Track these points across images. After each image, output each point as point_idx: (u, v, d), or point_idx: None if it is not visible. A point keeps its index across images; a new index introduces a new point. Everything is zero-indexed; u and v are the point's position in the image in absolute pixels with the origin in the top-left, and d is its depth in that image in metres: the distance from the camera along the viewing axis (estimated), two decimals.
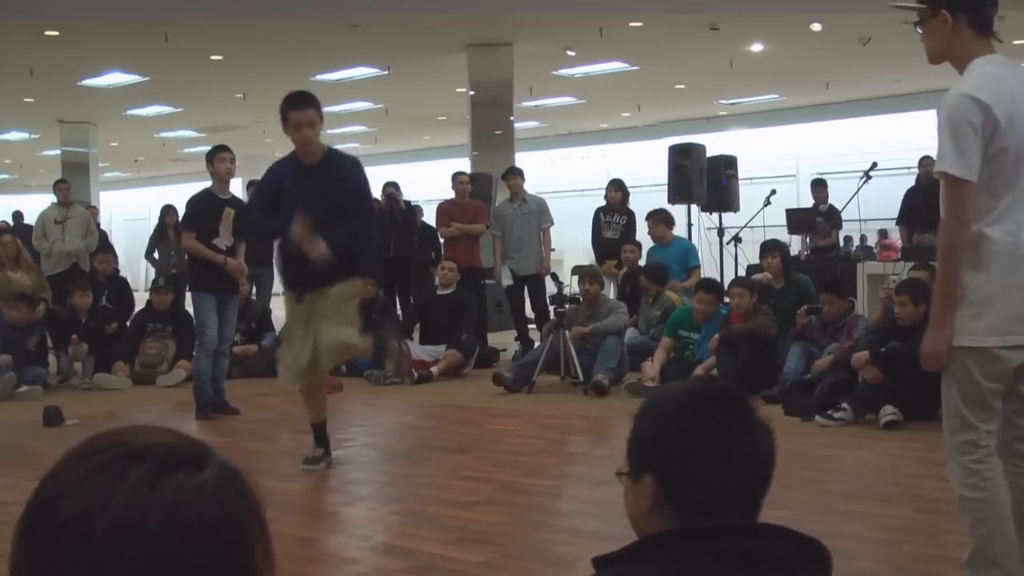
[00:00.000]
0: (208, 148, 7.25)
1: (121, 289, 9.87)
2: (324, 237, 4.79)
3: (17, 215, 16.47)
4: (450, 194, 10.32)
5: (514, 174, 10.25)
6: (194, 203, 7.03)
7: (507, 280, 10.07)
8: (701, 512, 1.33)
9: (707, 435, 1.37)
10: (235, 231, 6.94)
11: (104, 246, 10.57)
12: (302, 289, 5.05)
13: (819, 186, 11.92)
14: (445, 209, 10.16)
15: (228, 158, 6.95)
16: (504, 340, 10.40)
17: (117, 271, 10.19)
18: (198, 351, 7.00)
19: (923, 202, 9.23)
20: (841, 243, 12.58)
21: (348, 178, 5.03)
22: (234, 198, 7.14)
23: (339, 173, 5.01)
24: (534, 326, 10.30)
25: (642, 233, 10.57)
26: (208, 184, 7.08)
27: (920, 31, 2.80)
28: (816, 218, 11.30)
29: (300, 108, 4.89)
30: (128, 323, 9.31)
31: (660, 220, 9.88)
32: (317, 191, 4.92)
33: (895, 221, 11.38)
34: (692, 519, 1.34)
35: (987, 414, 2.73)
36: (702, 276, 9.16)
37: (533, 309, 10.21)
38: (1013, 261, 2.68)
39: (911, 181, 11.33)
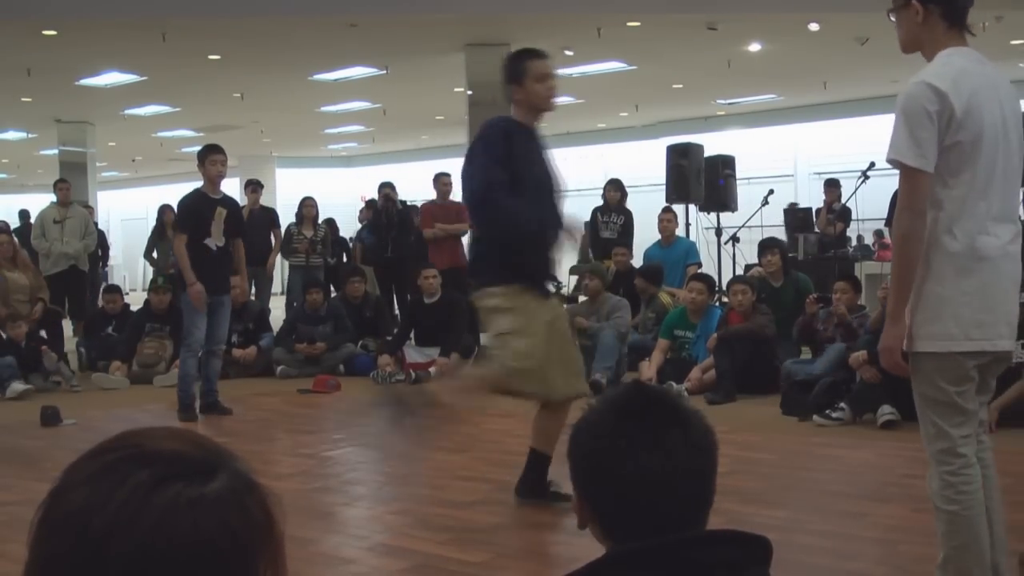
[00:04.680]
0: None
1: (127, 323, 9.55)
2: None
3: (24, 214, 16.48)
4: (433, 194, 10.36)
5: None
6: (186, 204, 6.96)
7: None
8: (628, 532, 1.29)
9: (626, 455, 1.31)
10: (226, 230, 6.87)
11: (111, 285, 10.33)
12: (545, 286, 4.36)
13: (831, 187, 12.01)
14: (428, 210, 10.17)
15: (220, 160, 6.87)
16: None
17: (127, 306, 9.93)
18: (184, 352, 6.95)
19: None
20: (854, 241, 12.64)
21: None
22: (226, 197, 7.04)
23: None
24: None
25: (644, 231, 10.59)
26: (200, 184, 7.00)
27: (893, 19, 2.76)
28: (827, 215, 11.40)
29: (543, 57, 4.29)
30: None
31: (675, 216, 9.99)
32: (545, 162, 4.34)
33: (884, 222, 11.42)
34: (620, 539, 1.30)
35: (961, 417, 2.66)
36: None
37: None
38: (968, 263, 2.60)
39: None
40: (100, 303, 10.22)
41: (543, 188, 4.29)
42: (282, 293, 12.39)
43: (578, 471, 1.38)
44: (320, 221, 11.51)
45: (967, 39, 2.71)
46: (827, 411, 6.12)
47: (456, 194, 10.33)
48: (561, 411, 4.26)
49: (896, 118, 2.59)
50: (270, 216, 11.40)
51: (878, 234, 14.84)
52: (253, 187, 11.24)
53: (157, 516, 0.79)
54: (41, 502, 0.84)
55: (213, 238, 6.82)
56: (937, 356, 2.63)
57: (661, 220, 9.92)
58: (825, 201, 12.14)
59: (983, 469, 2.74)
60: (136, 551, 0.78)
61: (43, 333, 8.88)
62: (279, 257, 11.35)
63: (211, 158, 6.86)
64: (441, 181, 10.25)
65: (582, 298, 8.41)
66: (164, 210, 12.44)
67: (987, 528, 2.67)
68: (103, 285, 11.40)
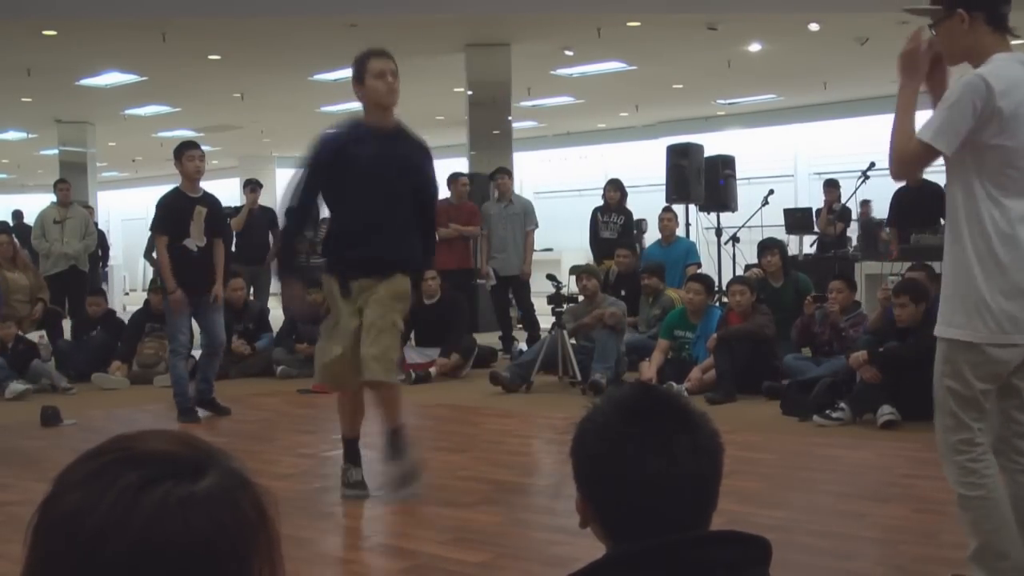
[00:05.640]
0: (206, 148, 7.09)
1: (113, 327, 9.39)
2: (402, 220, 4.56)
3: (17, 214, 16.49)
4: (447, 194, 10.34)
5: (503, 174, 10.29)
6: (164, 204, 6.80)
7: (492, 280, 10.08)
8: (631, 534, 1.29)
9: (633, 459, 1.30)
10: (206, 230, 6.76)
11: (94, 288, 10.09)
12: (353, 274, 4.55)
13: (831, 187, 12.02)
14: (442, 210, 10.16)
15: (197, 156, 6.73)
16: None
17: (110, 311, 9.80)
18: (172, 356, 6.90)
19: (912, 203, 9.27)
20: (854, 241, 12.64)
21: (426, 158, 4.72)
22: (206, 195, 6.87)
23: (416, 151, 4.67)
24: (520, 326, 10.33)
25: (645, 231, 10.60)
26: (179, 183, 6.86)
27: (935, 33, 2.80)
28: (827, 215, 11.40)
29: (383, 56, 4.52)
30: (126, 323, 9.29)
31: (675, 216, 9.99)
32: (392, 162, 4.52)
33: (885, 222, 11.42)
34: (622, 539, 1.31)
35: (979, 413, 2.74)
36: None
37: (519, 309, 10.24)
38: (1005, 259, 2.66)
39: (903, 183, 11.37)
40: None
41: (374, 194, 4.51)
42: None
43: (582, 471, 1.37)
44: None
45: (1010, 42, 2.75)
46: (827, 411, 6.12)
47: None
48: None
49: (945, 100, 2.66)
50: (269, 216, 11.40)
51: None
52: (252, 187, 11.22)
53: (147, 516, 0.80)
54: (36, 507, 0.84)
55: (193, 238, 6.68)
56: (971, 349, 2.69)
57: (661, 220, 9.94)
58: (825, 201, 12.15)
59: (1018, 488, 2.79)
60: (129, 552, 0.79)
61: (41, 334, 8.87)
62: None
63: (188, 154, 6.72)
64: (459, 182, 10.24)
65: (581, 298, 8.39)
66: None
67: (1012, 513, 2.73)
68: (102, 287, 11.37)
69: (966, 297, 2.69)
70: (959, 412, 2.73)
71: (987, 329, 2.67)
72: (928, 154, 2.67)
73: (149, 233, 12.46)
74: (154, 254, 11.91)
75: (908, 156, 2.70)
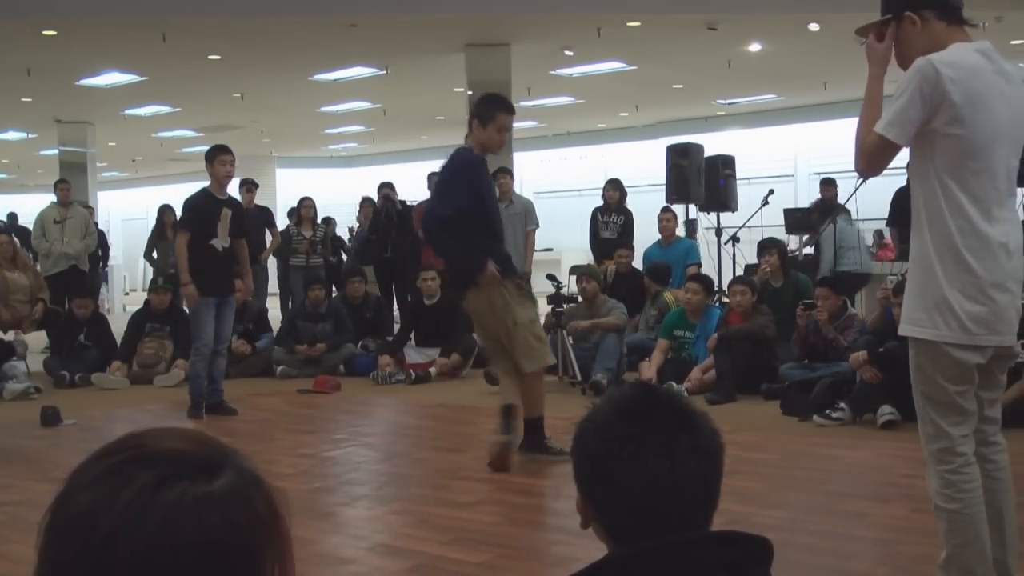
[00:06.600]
0: (206, 147, 7.21)
1: (100, 327, 9.36)
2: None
3: (12, 216, 16.50)
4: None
5: (503, 174, 10.28)
6: (192, 204, 6.99)
7: None
8: (631, 534, 1.29)
9: (634, 460, 1.30)
10: (232, 231, 6.94)
11: (84, 290, 9.96)
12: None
13: (828, 185, 11.98)
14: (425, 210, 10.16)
15: (228, 160, 6.90)
16: None
17: (96, 309, 9.70)
18: (194, 355, 6.99)
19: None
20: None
21: None
22: (231, 199, 7.15)
23: None
24: None
25: (644, 231, 10.59)
26: (206, 184, 7.05)
27: (890, 38, 2.74)
28: (820, 215, 11.34)
29: (512, 113, 5.23)
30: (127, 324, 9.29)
31: (674, 216, 9.98)
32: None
33: (886, 222, 11.40)
34: (623, 540, 1.31)
35: (960, 417, 2.65)
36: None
37: None
38: (969, 257, 2.58)
39: (904, 182, 11.34)
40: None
41: (495, 218, 5.27)
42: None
43: (583, 471, 1.37)
44: (319, 220, 11.53)
45: (970, 33, 2.69)
46: (827, 411, 6.12)
47: None
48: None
49: (898, 90, 2.60)
50: (266, 216, 11.42)
51: (878, 234, 14.85)
52: (248, 187, 11.26)
53: (163, 515, 0.80)
54: (47, 508, 0.84)
55: (219, 239, 6.88)
56: (938, 352, 2.61)
57: (661, 220, 9.93)
58: (822, 199, 12.11)
59: (997, 472, 2.74)
60: (144, 550, 0.79)
61: (17, 332, 8.88)
62: (271, 258, 11.35)
63: (220, 158, 6.88)
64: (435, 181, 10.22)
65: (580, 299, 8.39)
66: (164, 210, 12.44)
67: (987, 526, 2.67)
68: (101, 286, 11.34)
69: (926, 294, 2.61)
70: (938, 419, 2.65)
71: (948, 328, 2.58)
72: (885, 146, 2.59)
73: (149, 233, 12.64)
74: (155, 254, 12.05)
75: (868, 149, 2.62)
